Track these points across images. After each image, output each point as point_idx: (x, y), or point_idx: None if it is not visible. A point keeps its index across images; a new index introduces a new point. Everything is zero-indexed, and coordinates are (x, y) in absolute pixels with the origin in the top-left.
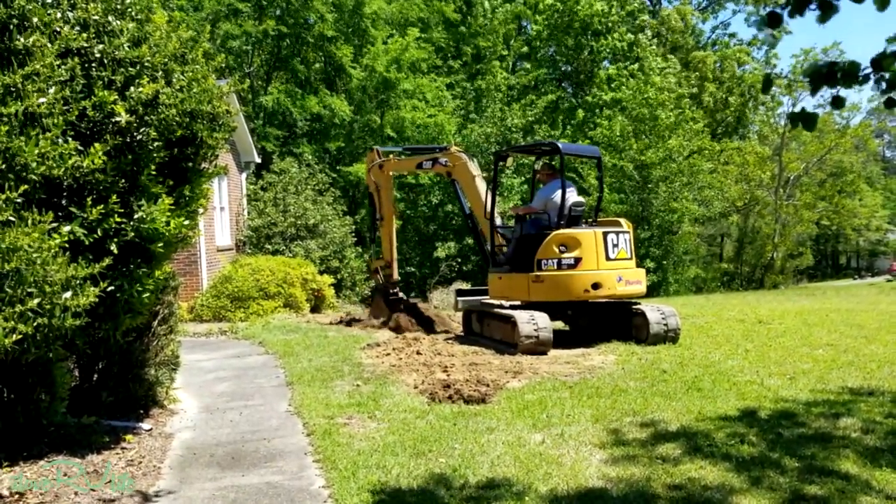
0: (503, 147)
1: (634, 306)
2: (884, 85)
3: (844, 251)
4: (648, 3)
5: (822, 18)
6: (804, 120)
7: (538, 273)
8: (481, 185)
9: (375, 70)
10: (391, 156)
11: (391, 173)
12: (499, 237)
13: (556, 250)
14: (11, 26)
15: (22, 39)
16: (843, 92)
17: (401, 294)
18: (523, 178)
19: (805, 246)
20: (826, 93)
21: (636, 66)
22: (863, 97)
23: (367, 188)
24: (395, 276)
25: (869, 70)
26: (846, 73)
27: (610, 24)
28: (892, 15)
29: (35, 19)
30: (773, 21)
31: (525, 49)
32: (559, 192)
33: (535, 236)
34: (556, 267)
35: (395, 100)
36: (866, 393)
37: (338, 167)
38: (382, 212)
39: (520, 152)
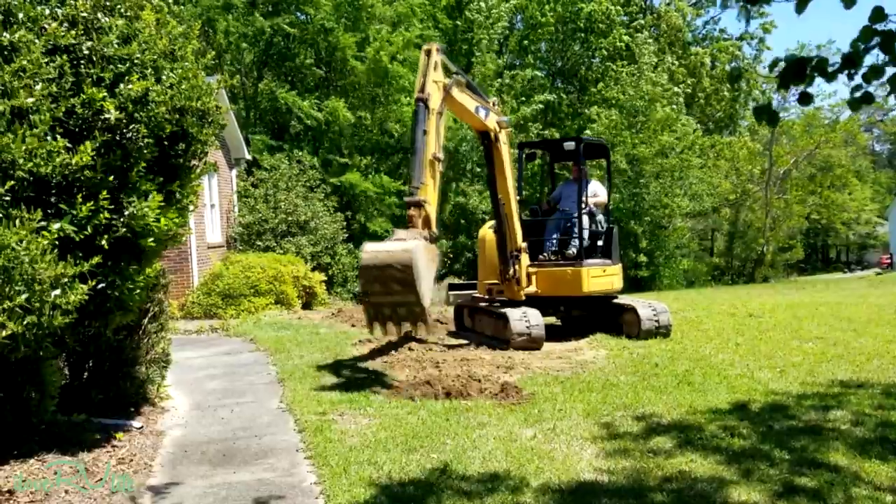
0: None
1: (626, 303)
2: (856, 80)
3: (834, 245)
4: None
5: (799, 8)
6: (768, 115)
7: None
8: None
9: (381, 60)
10: (454, 77)
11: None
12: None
13: None
14: None
15: (7, 35)
16: (834, 85)
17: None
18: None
19: (795, 240)
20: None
21: (633, 67)
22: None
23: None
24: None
25: (837, 64)
26: (815, 69)
27: (610, 24)
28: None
29: (21, 15)
30: None
31: (525, 42)
32: None
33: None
34: None
35: (394, 94)
36: (856, 385)
37: (339, 177)
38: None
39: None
